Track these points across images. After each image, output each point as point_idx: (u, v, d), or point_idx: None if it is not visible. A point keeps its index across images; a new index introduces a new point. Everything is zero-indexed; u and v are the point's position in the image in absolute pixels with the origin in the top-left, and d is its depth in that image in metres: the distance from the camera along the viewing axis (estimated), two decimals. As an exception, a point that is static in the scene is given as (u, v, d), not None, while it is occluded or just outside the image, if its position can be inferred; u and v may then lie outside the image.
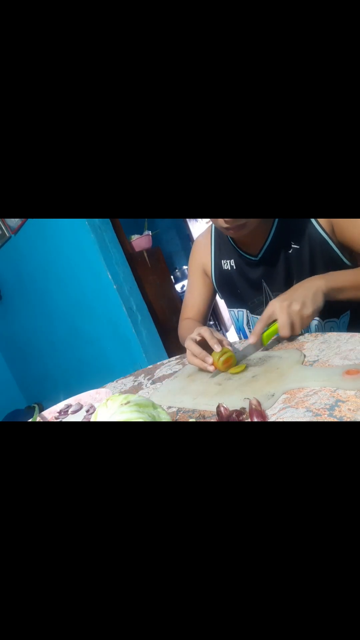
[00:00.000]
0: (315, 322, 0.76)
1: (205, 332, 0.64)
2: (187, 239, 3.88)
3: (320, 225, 0.69)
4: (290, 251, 0.73)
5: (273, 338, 0.65)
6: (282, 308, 0.59)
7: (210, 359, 0.61)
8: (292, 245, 0.73)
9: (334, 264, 0.71)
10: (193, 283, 0.96)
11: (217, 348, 0.61)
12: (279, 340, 0.65)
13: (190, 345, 0.65)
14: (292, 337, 0.62)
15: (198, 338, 0.65)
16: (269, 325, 0.63)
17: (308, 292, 0.61)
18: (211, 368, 0.61)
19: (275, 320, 0.62)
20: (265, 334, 0.63)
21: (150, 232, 2.13)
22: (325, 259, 0.71)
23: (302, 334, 0.63)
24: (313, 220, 0.69)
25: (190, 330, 0.73)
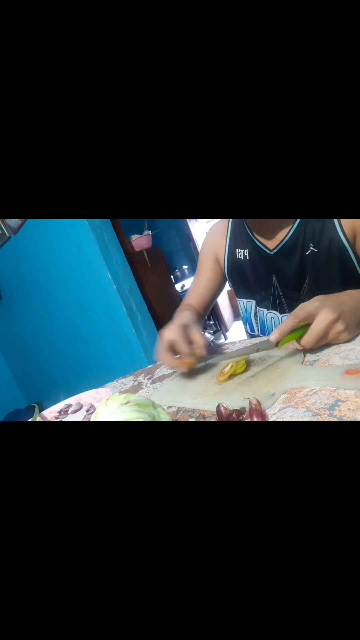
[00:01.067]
0: None
1: (175, 334, 0.64)
2: (187, 239, 3.88)
3: (344, 232, 0.68)
4: (307, 252, 0.72)
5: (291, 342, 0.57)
6: (326, 320, 0.50)
7: (178, 363, 0.63)
8: (311, 248, 0.71)
9: (349, 273, 0.70)
10: (202, 269, 0.95)
11: (184, 351, 0.61)
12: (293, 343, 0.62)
13: (162, 353, 0.65)
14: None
15: (172, 339, 0.64)
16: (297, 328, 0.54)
17: (357, 314, 0.52)
18: (184, 368, 0.62)
19: (305, 324, 0.53)
20: (287, 336, 0.54)
21: (150, 232, 2.14)
22: (342, 266, 0.70)
23: None
24: (337, 225, 0.68)
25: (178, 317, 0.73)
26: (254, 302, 0.86)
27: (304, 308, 0.52)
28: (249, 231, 0.81)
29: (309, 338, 0.51)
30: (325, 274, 0.71)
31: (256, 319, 0.88)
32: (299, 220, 0.72)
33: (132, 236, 2.09)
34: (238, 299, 0.93)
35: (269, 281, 0.79)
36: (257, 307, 0.85)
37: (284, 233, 0.74)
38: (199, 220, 3.79)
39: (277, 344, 0.54)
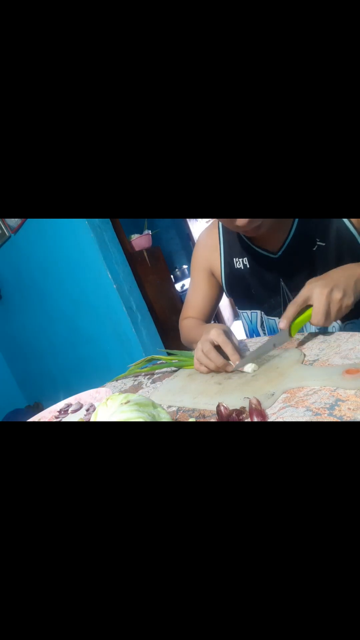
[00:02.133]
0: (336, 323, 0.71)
1: (219, 336, 0.60)
2: (187, 239, 3.88)
3: (351, 221, 0.65)
4: (314, 248, 0.68)
5: (301, 327, 0.59)
6: (321, 294, 0.52)
7: (230, 367, 0.58)
8: (317, 242, 0.67)
9: None
10: (197, 284, 0.90)
11: (233, 358, 0.57)
12: (305, 331, 0.62)
13: (209, 351, 0.60)
14: (322, 328, 0.57)
15: (215, 343, 0.60)
16: (301, 311, 0.56)
17: (350, 280, 0.54)
18: (230, 368, 0.58)
19: (308, 307, 0.55)
20: (294, 322, 0.56)
21: (150, 232, 2.14)
22: (354, 258, 0.65)
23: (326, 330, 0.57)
24: None
25: (196, 329, 0.67)
26: (259, 312, 0.81)
27: (299, 294, 0.56)
28: (245, 238, 0.76)
29: (316, 315, 0.53)
30: (336, 266, 0.65)
31: (263, 329, 0.83)
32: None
33: (132, 236, 2.08)
34: (241, 311, 0.87)
35: (277, 287, 0.74)
36: (267, 317, 0.80)
37: (285, 233, 0.70)
38: (199, 219, 3.79)
39: (290, 334, 0.56)
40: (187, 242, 3.92)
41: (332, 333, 0.59)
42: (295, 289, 0.72)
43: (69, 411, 0.75)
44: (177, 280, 3.64)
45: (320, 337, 0.59)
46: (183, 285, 3.53)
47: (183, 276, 3.77)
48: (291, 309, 0.55)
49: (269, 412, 0.43)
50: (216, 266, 0.84)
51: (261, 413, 0.42)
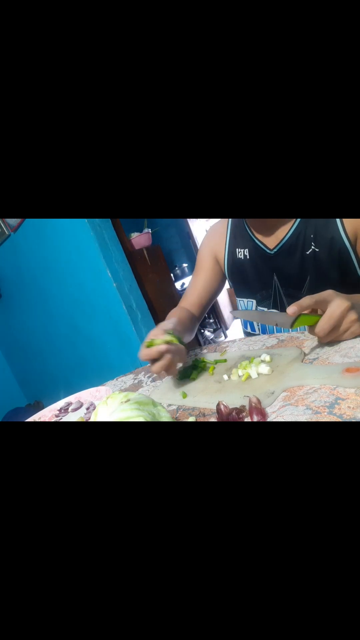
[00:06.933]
0: None
1: (151, 334, 0.64)
2: (187, 237, 3.88)
3: (346, 233, 0.68)
4: (308, 252, 0.72)
5: (303, 327, 0.58)
6: (340, 306, 0.51)
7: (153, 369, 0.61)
8: (312, 247, 0.71)
9: (349, 274, 0.71)
10: (201, 268, 0.94)
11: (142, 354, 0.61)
12: (303, 332, 0.63)
13: (141, 348, 0.63)
14: (316, 341, 0.57)
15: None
16: (311, 312, 0.55)
17: None
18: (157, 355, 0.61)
19: (319, 314, 0.54)
20: (304, 316, 0.54)
21: (150, 230, 2.13)
22: (342, 267, 0.70)
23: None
24: (339, 226, 0.68)
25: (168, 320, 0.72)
26: (254, 301, 0.86)
27: (320, 293, 0.53)
28: (249, 230, 0.81)
29: (324, 323, 0.52)
30: (325, 274, 0.71)
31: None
32: (298, 219, 0.72)
33: (132, 234, 2.08)
34: (238, 299, 0.92)
35: (270, 280, 0.79)
36: (258, 307, 0.85)
37: (284, 232, 0.74)
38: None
39: (292, 325, 0.54)
40: (187, 241, 3.92)
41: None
42: (286, 285, 0.77)
43: (69, 410, 0.75)
44: (177, 278, 3.64)
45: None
46: (183, 284, 3.53)
47: (183, 274, 3.77)
48: (306, 300, 0.53)
49: (268, 410, 0.43)
50: (221, 254, 0.90)
51: (261, 411, 0.42)
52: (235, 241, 0.85)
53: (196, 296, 0.94)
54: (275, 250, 0.75)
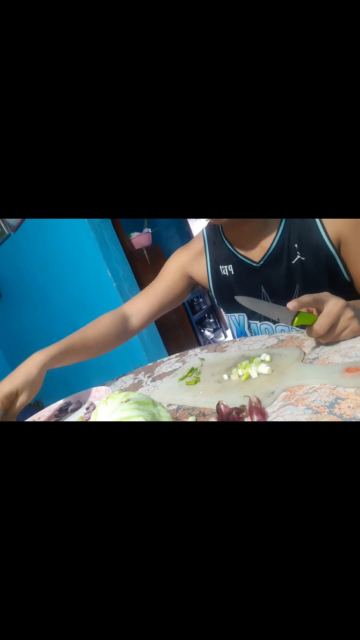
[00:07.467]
0: None
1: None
2: (187, 237, 3.87)
3: (330, 238, 0.68)
4: (294, 261, 0.72)
5: (301, 326, 0.57)
6: (336, 304, 0.52)
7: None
8: (298, 255, 0.71)
9: (337, 279, 0.71)
10: (160, 278, 0.92)
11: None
12: (300, 332, 0.63)
13: None
14: (315, 341, 0.57)
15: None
16: (309, 312, 0.56)
17: None
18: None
19: (315, 313, 0.55)
20: (304, 314, 0.55)
21: (149, 230, 2.13)
22: (330, 273, 0.70)
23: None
24: (322, 232, 0.68)
25: (87, 328, 0.81)
26: (245, 315, 0.86)
27: (320, 294, 0.54)
28: (229, 247, 0.80)
29: (322, 320, 0.52)
30: (314, 280, 0.71)
31: (250, 331, 0.87)
32: (281, 229, 0.72)
33: (132, 234, 2.08)
34: (228, 315, 0.91)
35: (258, 293, 0.79)
36: (249, 321, 0.85)
37: (268, 243, 0.73)
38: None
39: (292, 322, 0.55)
40: (187, 240, 3.86)
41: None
42: (275, 296, 0.77)
43: (69, 410, 0.75)
44: (177, 278, 3.63)
45: (320, 336, 0.59)
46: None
47: (183, 274, 3.76)
48: (305, 297, 0.53)
49: (268, 410, 0.43)
50: (201, 273, 0.89)
51: (261, 411, 0.42)
52: (217, 259, 0.85)
53: (144, 303, 0.92)
54: (261, 262, 0.75)
